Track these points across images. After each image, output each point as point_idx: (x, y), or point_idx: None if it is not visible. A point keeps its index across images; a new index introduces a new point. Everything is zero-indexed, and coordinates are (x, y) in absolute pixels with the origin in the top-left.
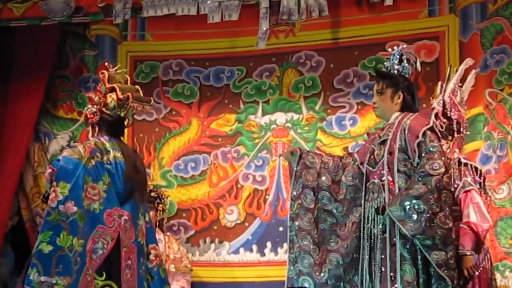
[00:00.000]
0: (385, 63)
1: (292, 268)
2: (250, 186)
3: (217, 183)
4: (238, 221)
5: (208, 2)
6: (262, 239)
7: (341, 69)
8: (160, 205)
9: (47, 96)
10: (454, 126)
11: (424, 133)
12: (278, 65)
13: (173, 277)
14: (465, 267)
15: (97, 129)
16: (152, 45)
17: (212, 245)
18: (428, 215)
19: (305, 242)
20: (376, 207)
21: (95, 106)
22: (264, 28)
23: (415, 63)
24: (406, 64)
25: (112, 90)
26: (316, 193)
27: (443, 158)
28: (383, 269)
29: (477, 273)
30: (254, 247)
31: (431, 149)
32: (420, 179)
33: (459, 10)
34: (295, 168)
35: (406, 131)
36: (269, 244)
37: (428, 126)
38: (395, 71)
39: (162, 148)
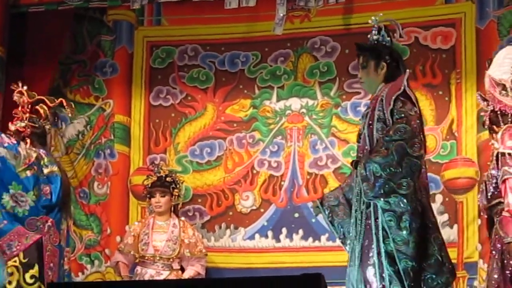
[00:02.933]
0: (368, 36)
1: None
2: (265, 172)
3: (232, 169)
4: (254, 207)
5: None
6: (277, 225)
7: (355, 55)
8: (175, 190)
9: (64, 81)
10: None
11: (395, 100)
12: (293, 50)
13: (188, 262)
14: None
15: (29, 141)
16: (168, 30)
17: (228, 231)
18: (383, 179)
19: None
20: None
21: (23, 121)
22: (281, 14)
23: (397, 29)
24: (384, 33)
25: (40, 101)
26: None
27: (411, 123)
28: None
29: None
30: (270, 233)
31: (399, 114)
32: (383, 142)
33: None
34: (326, 216)
35: (384, 101)
36: (284, 230)
37: (399, 93)
38: (375, 42)
39: (178, 133)
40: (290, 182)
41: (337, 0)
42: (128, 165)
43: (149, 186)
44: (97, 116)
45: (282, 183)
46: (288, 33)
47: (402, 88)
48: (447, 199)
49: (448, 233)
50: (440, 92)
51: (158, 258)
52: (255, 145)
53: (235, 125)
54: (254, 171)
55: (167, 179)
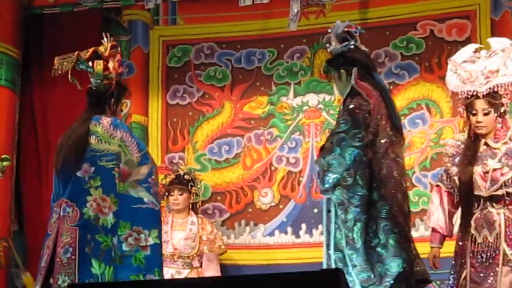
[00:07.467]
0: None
1: None
2: (284, 168)
3: (251, 166)
4: (273, 204)
5: None
6: (296, 221)
7: (372, 49)
8: (193, 188)
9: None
10: None
11: (344, 99)
12: (309, 46)
13: (207, 258)
14: None
15: None
16: (184, 29)
17: (247, 228)
18: (329, 172)
19: None
20: None
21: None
22: (295, 10)
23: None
24: (333, 43)
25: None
26: None
27: (355, 116)
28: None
29: None
30: (289, 229)
31: (344, 109)
32: (328, 137)
33: None
34: None
35: None
36: (304, 226)
37: (347, 91)
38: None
39: (196, 132)
40: (309, 178)
41: None
42: None
43: (167, 184)
44: None
45: (301, 179)
46: (303, 29)
47: (349, 87)
48: None
49: None
50: None
51: (177, 256)
52: (273, 141)
53: (252, 122)
54: (273, 168)
55: (185, 177)
